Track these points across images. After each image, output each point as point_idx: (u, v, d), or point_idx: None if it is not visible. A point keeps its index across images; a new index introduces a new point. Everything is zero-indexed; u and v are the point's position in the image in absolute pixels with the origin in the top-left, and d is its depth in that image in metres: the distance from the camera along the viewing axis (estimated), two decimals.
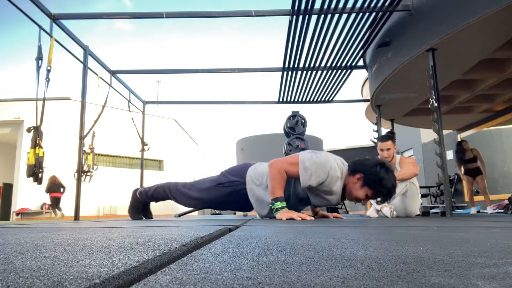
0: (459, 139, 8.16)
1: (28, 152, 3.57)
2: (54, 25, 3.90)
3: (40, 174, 3.50)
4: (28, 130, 3.56)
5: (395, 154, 3.54)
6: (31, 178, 3.51)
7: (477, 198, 6.30)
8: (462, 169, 6.33)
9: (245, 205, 2.78)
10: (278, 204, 2.32)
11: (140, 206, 3.10)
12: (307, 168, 2.29)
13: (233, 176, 2.68)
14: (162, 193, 2.95)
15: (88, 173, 5.15)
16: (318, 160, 2.29)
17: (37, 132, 3.52)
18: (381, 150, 3.44)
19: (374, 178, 2.26)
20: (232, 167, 2.81)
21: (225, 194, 2.69)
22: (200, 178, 2.94)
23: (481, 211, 6.33)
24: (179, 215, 4.98)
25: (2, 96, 17.15)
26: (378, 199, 2.29)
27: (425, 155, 10.23)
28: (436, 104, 3.81)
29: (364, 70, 6.33)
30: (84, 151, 4.39)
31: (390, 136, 3.56)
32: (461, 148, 6.24)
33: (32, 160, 3.45)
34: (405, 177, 3.22)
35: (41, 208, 13.59)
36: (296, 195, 2.55)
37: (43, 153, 3.57)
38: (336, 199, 2.39)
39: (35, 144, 3.48)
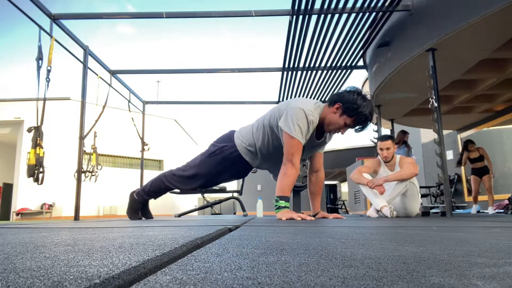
0: (459, 139, 8.17)
1: (29, 152, 3.57)
2: (54, 25, 3.90)
3: (41, 174, 3.50)
4: (29, 130, 3.56)
5: (395, 154, 3.54)
6: (31, 178, 3.51)
7: (479, 197, 6.29)
8: (463, 168, 6.28)
9: (241, 170, 2.81)
10: (282, 203, 2.32)
11: (139, 206, 3.07)
12: (295, 132, 2.34)
13: (221, 143, 2.74)
14: (159, 183, 2.93)
15: (94, 173, 5.15)
16: (296, 122, 2.33)
17: (37, 132, 3.52)
18: (381, 149, 3.45)
19: (352, 106, 2.34)
20: (219, 137, 2.86)
21: (218, 162, 2.72)
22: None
23: (481, 211, 6.32)
24: (179, 215, 4.97)
25: (2, 96, 17.15)
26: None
27: (425, 155, 10.22)
28: (436, 104, 3.81)
29: (364, 70, 6.33)
30: (85, 151, 4.39)
31: (390, 135, 3.57)
32: (466, 149, 6.18)
33: (32, 160, 3.45)
34: (405, 177, 3.22)
35: (41, 208, 13.59)
36: (273, 146, 2.58)
37: (43, 153, 3.57)
38: (313, 141, 2.51)
39: (36, 144, 3.48)
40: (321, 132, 2.54)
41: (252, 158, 2.68)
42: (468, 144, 6.23)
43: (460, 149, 6.61)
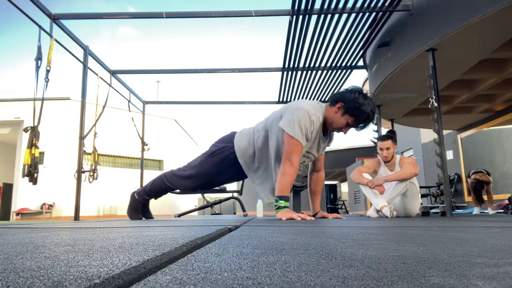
0: (459, 139, 8.17)
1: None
2: (54, 25, 3.90)
3: (35, 174, 3.49)
4: (25, 130, 3.56)
5: (395, 154, 3.54)
6: (27, 178, 3.50)
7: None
8: (463, 169, 6.23)
9: (239, 172, 2.80)
10: (282, 203, 2.32)
11: (139, 206, 3.08)
12: (301, 134, 2.34)
13: (222, 144, 2.75)
14: (160, 183, 2.93)
15: (95, 171, 5.15)
16: (298, 122, 2.33)
17: (34, 132, 3.51)
18: (381, 149, 3.45)
19: (353, 105, 2.35)
20: (220, 138, 2.86)
21: (218, 162, 2.72)
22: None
23: (481, 211, 6.32)
24: (179, 215, 4.98)
25: (2, 96, 17.15)
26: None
27: (425, 155, 10.23)
28: (436, 104, 3.81)
29: (364, 70, 6.33)
30: (85, 151, 4.39)
31: (390, 135, 3.56)
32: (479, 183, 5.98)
33: (28, 160, 3.44)
34: (405, 177, 3.22)
35: (41, 208, 13.59)
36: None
37: (39, 153, 3.57)
38: (320, 141, 2.52)
39: (31, 144, 3.48)
40: (326, 131, 2.54)
41: (248, 162, 2.65)
42: (477, 179, 5.98)
43: (460, 148, 6.57)
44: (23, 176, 3.46)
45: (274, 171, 2.51)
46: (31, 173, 3.46)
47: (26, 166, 3.44)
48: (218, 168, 2.75)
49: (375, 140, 6.00)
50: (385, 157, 3.44)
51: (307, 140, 2.39)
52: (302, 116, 2.33)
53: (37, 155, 3.50)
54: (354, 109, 2.35)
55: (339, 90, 2.54)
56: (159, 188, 2.96)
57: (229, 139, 2.75)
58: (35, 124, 3.53)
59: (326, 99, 2.32)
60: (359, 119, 2.39)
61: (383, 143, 3.45)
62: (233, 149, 2.67)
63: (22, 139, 13.68)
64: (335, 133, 2.70)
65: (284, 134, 2.37)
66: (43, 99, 3.51)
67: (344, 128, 2.45)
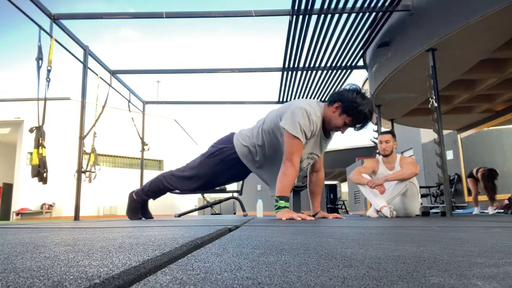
0: (459, 139, 8.17)
1: (31, 153, 3.58)
2: (54, 25, 3.90)
3: (45, 174, 3.51)
4: (31, 131, 3.56)
5: (395, 152, 3.54)
6: (35, 178, 3.51)
7: (479, 198, 6.28)
8: (463, 169, 6.23)
9: (239, 173, 2.80)
10: (282, 203, 2.32)
11: (138, 206, 3.07)
12: (295, 132, 2.33)
13: (221, 144, 2.74)
14: (159, 184, 2.93)
15: (92, 171, 5.15)
16: (298, 121, 2.33)
17: (39, 132, 3.52)
18: (380, 142, 3.46)
19: (351, 105, 2.34)
20: (219, 139, 2.86)
21: (217, 163, 2.72)
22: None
23: (481, 211, 6.32)
24: (179, 215, 4.98)
25: (2, 96, 17.15)
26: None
27: (425, 155, 10.22)
28: (436, 104, 3.81)
29: (364, 70, 6.33)
30: (85, 151, 4.39)
31: (391, 130, 3.59)
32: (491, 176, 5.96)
33: (36, 160, 3.45)
34: (405, 177, 3.22)
35: (41, 208, 13.59)
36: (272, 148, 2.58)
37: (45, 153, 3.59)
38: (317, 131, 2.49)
39: (38, 144, 3.48)
40: (325, 130, 2.54)
41: (251, 161, 2.66)
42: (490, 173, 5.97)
43: (460, 148, 6.57)
44: (33, 176, 3.47)
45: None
46: (40, 173, 3.47)
47: (34, 167, 3.45)
48: (217, 169, 2.75)
49: (375, 140, 6.00)
50: (383, 150, 3.44)
51: (306, 139, 2.39)
52: (302, 115, 2.33)
53: (44, 154, 3.51)
54: (352, 109, 2.35)
55: (337, 90, 2.53)
56: (157, 188, 2.95)
57: (228, 140, 2.74)
58: (40, 124, 3.53)
59: (326, 99, 2.33)
60: (357, 119, 2.39)
61: (383, 136, 3.47)
62: (233, 149, 2.66)
63: (22, 139, 13.69)
64: (333, 134, 2.71)
65: (285, 133, 2.37)
66: (45, 99, 3.51)
67: (342, 128, 2.46)
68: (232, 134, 2.79)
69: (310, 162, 2.64)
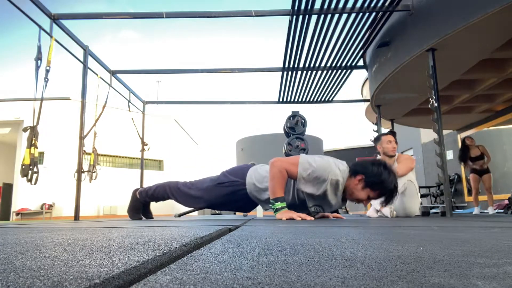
0: (459, 139, 8.17)
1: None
2: (54, 25, 3.90)
3: (35, 175, 3.47)
4: (25, 130, 3.55)
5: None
6: (25, 178, 3.48)
7: (479, 198, 6.28)
8: (468, 167, 6.23)
9: (245, 206, 2.78)
10: (278, 204, 2.31)
11: (140, 206, 3.08)
12: (307, 169, 2.29)
13: (233, 177, 2.67)
14: (163, 192, 2.94)
15: (93, 171, 5.14)
16: (320, 163, 2.28)
17: (33, 132, 3.50)
18: (389, 141, 3.44)
19: (375, 180, 2.25)
20: (232, 168, 2.81)
21: (225, 194, 2.68)
22: (201, 178, 2.93)
23: (481, 211, 6.32)
24: (179, 215, 4.97)
25: (2, 96, 17.15)
26: (381, 199, 2.29)
27: (425, 155, 10.23)
28: (436, 104, 3.81)
29: (364, 70, 6.33)
30: (85, 151, 4.39)
31: (394, 132, 3.59)
32: (464, 145, 6.17)
33: (27, 160, 3.43)
34: (402, 173, 3.24)
35: (41, 208, 13.59)
36: (298, 197, 2.53)
37: (39, 153, 3.56)
38: (337, 203, 2.37)
39: (31, 143, 3.47)
40: (343, 198, 2.43)
41: (262, 203, 2.60)
42: (464, 138, 6.21)
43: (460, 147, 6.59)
44: (22, 176, 3.44)
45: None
46: (30, 173, 3.45)
47: (25, 166, 3.43)
48: (225, 199, 2.70)
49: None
50: (394, 148, 3.43)
51: (307, 180, 2.30)
52: (329, 167, 2.25)
53: (36, 155, 3.49)
54: (376, 184, 2.25)
55: (360, 160, 2.42)
56: (161, 196, 2.97)
57: (241, 174, 2.65)
58: (35, 124, 3.52)
59: (349, 167, 2.19)
60: (381, 194, 2.30)
61: (389, 136, 3.47)
62: (244, 185, 2.59)
63: (22, 139, 13.67)
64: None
65: (296, 156, 2.34)
66: (42, 99, 3.50)
67: (365, 201, 2.35)
68: (246, 168, 2.70)
69: (318, 210, 2.47)
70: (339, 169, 2.28)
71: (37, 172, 3.48)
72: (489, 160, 6.02)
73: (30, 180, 3.45)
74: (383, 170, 2.26)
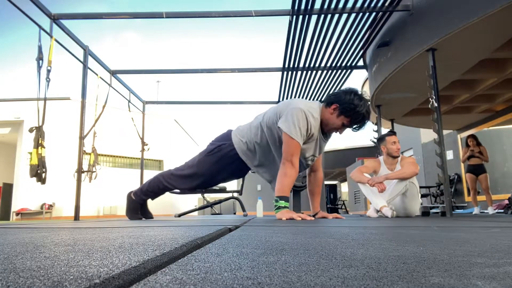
0: (459, 139, 8.17)
1: (30, 152, 3.58)
2: (54, 25, 3.90)
3: (43, 174, 3.51)
4: (30, 130, 3.56)
5: None
6: (34, 178, 3.51)
7: (478, 198, 6.28)
8: (463, 168, 6.27)
9: (238, 169, 2.79)
10: (282, 203, 2.32)
11: (138, 206, 3.06)
12: (300, 135, 2.35)
13: (219, 142, 2.75)
14: (158, 183, 2.92)
15: (93, 171, 5.15)
16: (294, 121, 2.34)
17: (39, 132, 3.52)
18: (394, 142, 3.45)
19: (348, 106, 2.38)
20: (217, 136, 2.87)
21: (216, 161, 2.72)
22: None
23: (481, 211, 6.32)
24: (179, 215, 4.97)
25: (2, 96, 17.15)
26: (354, 126, 2.40)
27: (425, 155, 10.22)
28: (436, 104, 3.81)
29: (364, 70, 6.33)
30: (85, 151, 4.39)
31: (393, 131, 3.59)
32: (466, 144, 6.23)
33: (35, 160, 3.46)
34: (406, 176, 3.22)
35: (41, 208, 13.59)
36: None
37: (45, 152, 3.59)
38: (320, 139, 2.53)
39: (38, 144, 3.49)
40: (323, 131, 2.56)
41: (250, 157, 2.67)
42: (467, 138, 6.23)
43: (460, 148, 6.61)
44: (31, 176, 3.47)
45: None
46: (39, 173, 3.48)
47: (33, 166, 3.46)
48: (217, 166, 2.75)
49: (375, 140, 6.00)
50: (398, 149, 3.44)
51: (304, 140, 2.39)
52: (300, 116, 2.34)
53: (43, 154, 3.52)
54: (350, 110, 2.38)
55: (334, 92, 2.56)
56: (156, 188, 2.94)
57: (226, 136, 2.75)
58: (40, 124, 3.53)
59: (322, 99, 2.37)
60: (355, 120, 2.43)
61: (394, 137, 3.48)
62: (232, 146, 2.67)
63: (22, 139, 13.67)
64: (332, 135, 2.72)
65: (283, 134, 2.37)
66: (45, 99, 3.51)
67: (340, 129, 2.49)
68: (229, 131, 2.79)
69: (309, 163, 2.66)
70: (312, 108, 2.42)
71: (45, 172, 3.52)
72: (486, 161, 6.02)
73: (40, 180, 3.49)
74: (354, 97, 2.40)
